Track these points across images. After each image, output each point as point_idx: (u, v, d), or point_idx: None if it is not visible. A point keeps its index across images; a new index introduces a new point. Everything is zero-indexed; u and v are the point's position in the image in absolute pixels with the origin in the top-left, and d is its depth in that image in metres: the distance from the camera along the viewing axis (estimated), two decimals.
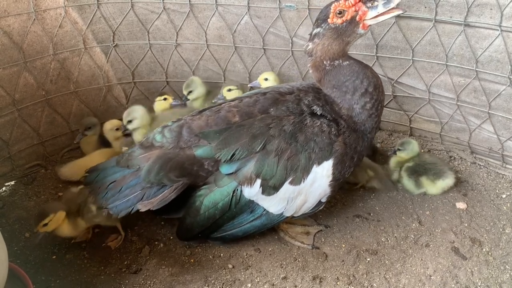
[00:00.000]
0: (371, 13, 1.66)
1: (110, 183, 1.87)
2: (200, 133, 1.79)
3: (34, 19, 2.26)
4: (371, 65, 1.95)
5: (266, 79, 2.44)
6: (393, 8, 1.64)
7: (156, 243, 2.02)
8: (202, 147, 1.78)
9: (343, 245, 1.99)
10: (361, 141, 1.82)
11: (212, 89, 2.61)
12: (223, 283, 1.83)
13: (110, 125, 2.40)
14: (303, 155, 1.72)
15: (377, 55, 2.40)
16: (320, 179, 1.75)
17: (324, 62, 1.79)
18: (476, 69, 2.18)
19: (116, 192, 1.84)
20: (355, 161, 1.82)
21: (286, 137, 1.72)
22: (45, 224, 1.84)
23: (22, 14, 2.22)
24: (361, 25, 1.69)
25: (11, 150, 2.35)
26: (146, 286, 1.82)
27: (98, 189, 1.89)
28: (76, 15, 2.40)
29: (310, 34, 1.81)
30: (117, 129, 2.38)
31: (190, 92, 2.51)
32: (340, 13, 1.69)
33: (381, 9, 1.64)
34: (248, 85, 2.50)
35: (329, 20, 1.72)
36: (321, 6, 2.29)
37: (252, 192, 1.75)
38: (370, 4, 1.65)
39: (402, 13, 1.67)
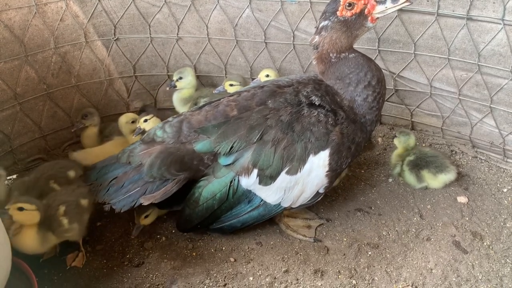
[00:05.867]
0: (380, 8, 1.68)
1: (112, 179, 1.89)
2: (199, 128, 1.81)
3: (35, 13, 2.25)
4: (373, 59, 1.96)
5: (267, 76, 2.42)
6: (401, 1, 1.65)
7: (158, 236, 2.03)
8: (201, 142, 1.79)
9: (345, 239, 2.00)
10: (360, 132, 1.83)
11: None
12: (225, 276, 1.83)
13: (125, 118, 2.37)
14: (299, 145, 1.73)
15: (379, 49, 2.40)
16: (316, 169, 1.76)
17: (331, 54, 1.80)
18: (478, 63, 2.17)
19: (119, 188, 1.86)
20: (352, 152, 1.82)
21: (282, 127, 1.73)
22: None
23: (23, 8, 2.21)
24: (369, 18, 1.70)
25: (12, 144, 2.35)
26: (148, 279, 1.83)
27: (100, 185, 1.90)
28: (77, 9, 2.39)
29: (317, 27, 1.81)
30: (132, 122, 2.36)
31: (180, 78, 2.49)
32: (349, 5, 1.69)
33: (389, 4, 1.67)
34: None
35: (338, 12, 1.72)
36: (323, 0, 2.30)
37: (249, 182, 1.77)
38: None
39: (409, 4, 1.67)
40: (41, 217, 1.74)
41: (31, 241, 1.74)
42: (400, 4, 1.66)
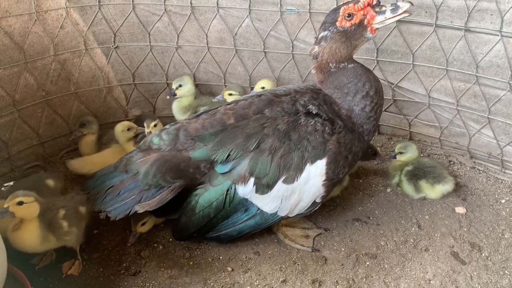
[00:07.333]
0: (379, 18, 1.68)
1: (109, 188, 1.89)
2: (196, 136, 1.81)
3: (36, 20, 2.26)
4: (371, 69, 1.96)
5: (263, 88, 2.43)
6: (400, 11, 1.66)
7: (155, 245, 2.02)
8: (198, 150, 1.79)
9: (343, 249, 1.99)
10: (357, 142, 1.83)
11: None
12: (222, 286, 1.82)
13: (121, 127, 2.35)
14: (296, 154, 1.72)
15: (378, 59, 2.41)
16: (313, 178, 1.76)
17: (330, 64, 1.81)
18: (476, 74, 2.19)
19: (115, 196, 1.86)
20: (349, 161, 1.82)
21: (279, 136, 1.73)
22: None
23: (24, 15, 2.22)
24: (369, 28, 1.71)
25: (10, 151, 2.34)
26: None
27: (97, 194, 1.90)
28: (77, 16, 2.40)
29: (316, 38, 1.82)
30: (128, 130, 2.35)
31: (180, 86, 2.49)
32: (349, 16, 1.70)
33: (388, 15, 1.67)
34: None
35: (337, 23, 1.73)
36: (322, 10, 2.32)
37: (246, 190, 1.76)
38: (378, 9, 1.68)
39: (408, 15, 1.68)
40: (40, 210, 1.74)
41: (32, 236, 1.74)
42: (399, 15, 1.67)
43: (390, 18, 1.68)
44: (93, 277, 1.86)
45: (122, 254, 1.97)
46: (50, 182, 2.07)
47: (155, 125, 2.30)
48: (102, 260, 1.95)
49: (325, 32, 1.77)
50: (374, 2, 1.68)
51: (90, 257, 1.96)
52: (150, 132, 2.27)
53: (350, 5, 1.69)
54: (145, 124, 2.32)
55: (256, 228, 1.88)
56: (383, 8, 1.67)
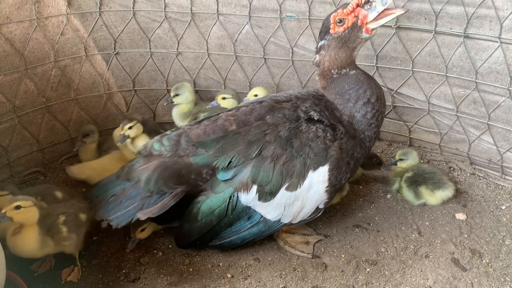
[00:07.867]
0: (372, 15, 1.66)
1: (111, 197, 1.89)
2: (198, 142, 1.81)
3: (36, 26, 2.27)
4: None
5: (255, 95, 2.43)
6: (395, 8, 1.65)
7: (155, 251, 2.01)
8: (199, 156, 1.79)
9: (343, 255, 1.99)
10: (359, 148, 1.83)
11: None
12: None
13: (119, 132, 2.34)
14: (298, 161, 1.72)
15: (377, 65, 2.42)
16: (316, 184, 1.76)
17: (332, 71, 1.81)
18: (476, 81, 2.19)
19: (117, 204, 1.85)
20: (351, 167, 1.82)
21: (281, 143, 1.73)
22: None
23: (24, 21, 2.23)
24: (364, 29, 1.69)
25: (10, 157, 2.34)
26: None
27: (99, 203, 1.90)
28: (78, 23, 2.41)
29: (316, 47, 1.83)
30: None
31: (177, 95, 2.49)
32: (340, 21, 1.71)
33: (380, 7, 1.64)
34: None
35: (331, 31, 1.74)
36: (322, 16, 2.33)
37: (249, 198, 1.76)
38: (368, 7, 1.66)
39: (404, 13, 1.66)
40: (39, 214, 1.74)
41: (31, 241, 1.73)
42: (394, 12, 1.63)
43: (384, 13, 1.63)
44: (92, 284, 1.86)
45: (121, 260, 1.97)
46: (58, 194, 2.06)
47: (130, 127, 2.27)
48: (101, 266, 1.94)
49: (323, 41, 1.80)
50: (363, 1, 1.67)
51: (89, 263, 1.95)
52: (125, 135, 2.26)
53: (339, 11, 1.70)
54: (120, 126, 2.30)
55: (260, 236, 1.88)
56: (373, 4, 1.65)
